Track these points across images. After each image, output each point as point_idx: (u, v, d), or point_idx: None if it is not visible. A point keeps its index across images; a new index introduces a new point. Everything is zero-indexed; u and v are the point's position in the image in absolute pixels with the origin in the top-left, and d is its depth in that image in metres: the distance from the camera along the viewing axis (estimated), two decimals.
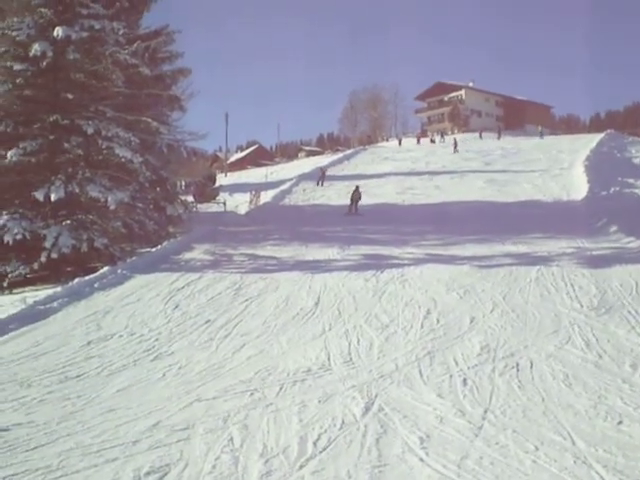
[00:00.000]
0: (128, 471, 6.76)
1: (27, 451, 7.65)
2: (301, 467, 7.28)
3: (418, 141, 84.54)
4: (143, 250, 26.46)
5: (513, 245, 24.19)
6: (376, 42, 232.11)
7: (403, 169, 52.28)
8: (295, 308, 17.09)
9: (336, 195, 41.88)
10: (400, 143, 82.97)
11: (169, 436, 8.15)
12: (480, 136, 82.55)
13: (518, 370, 11.33)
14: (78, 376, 12.08)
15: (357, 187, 36.57)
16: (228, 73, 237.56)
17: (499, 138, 78.36)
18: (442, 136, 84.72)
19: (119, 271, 21.97)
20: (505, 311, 15.64)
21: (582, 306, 15.79)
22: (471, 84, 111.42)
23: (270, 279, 20.56)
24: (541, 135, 68.10)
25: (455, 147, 60.67)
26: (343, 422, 8.84)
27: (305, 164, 67.60)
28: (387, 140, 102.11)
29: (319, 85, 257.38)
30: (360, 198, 35.74)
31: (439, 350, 12.75)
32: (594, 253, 22.15)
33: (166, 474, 6.69)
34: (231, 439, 8.07)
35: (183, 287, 19.72)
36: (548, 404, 9.56)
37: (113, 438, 8.12)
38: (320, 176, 47.50)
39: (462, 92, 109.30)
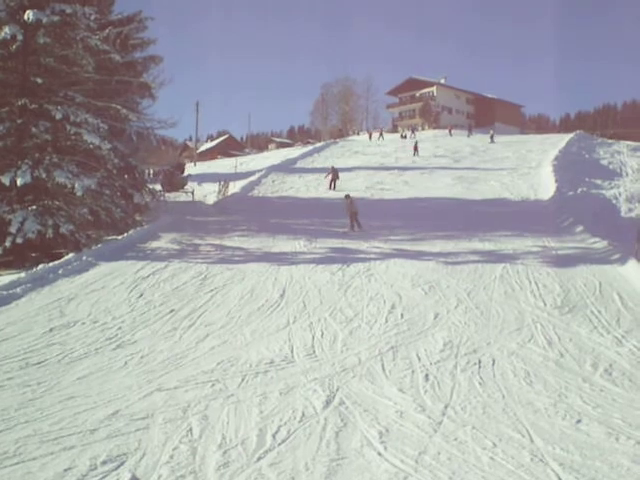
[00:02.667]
0: (85, 459, 6.72)
1: None
2: (259, 459, 7.28)
3: (370, 137, 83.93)
4: (109, 238, 26.30)
5: (480, 242, 24.30)
6: (349, 36, 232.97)
7: (373, 163, 52.32)
8: (260, 300, 17.08)
9: (304, 187, 41.84)
10: (370, 137, 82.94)
11: (128, 425, 8.11)
12: (450, 133, 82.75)
13: (480, 367, 11.42)
14: (39, 363, 11.99)
15: (347, 196, 29.09)
16: (200, 62, 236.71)
17: (469, 136, 78.60)
18: (413, 132, 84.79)
19: (84, 258, 21.81)
20: (469, 308, 15.74)
21: (546, 304, 15.94)
22: (443, 81, 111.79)
23: (236, 270, 20.52)
24: (491, 139, 66.99)
25: (415, 150, 58.21)
26: (303, 415, 8.85)
27: (275, 156, 67.51)
28: (358, 134, 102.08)
29: (291, 77, 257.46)
30: (356, 212, 28.26)
31: (402, 345, 12.81)
32: (559, 252, 22.32)
33: (123, 463, 6.67)
34: (190, 429, 8.06)
35: (148, 276, 19.63)
36: (508, 401, 9.64)
37: (71, 426, 8.07)
38: (331, 174, 41.13)
39: (434, 88, 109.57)
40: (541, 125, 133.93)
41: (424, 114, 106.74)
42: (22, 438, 7.55)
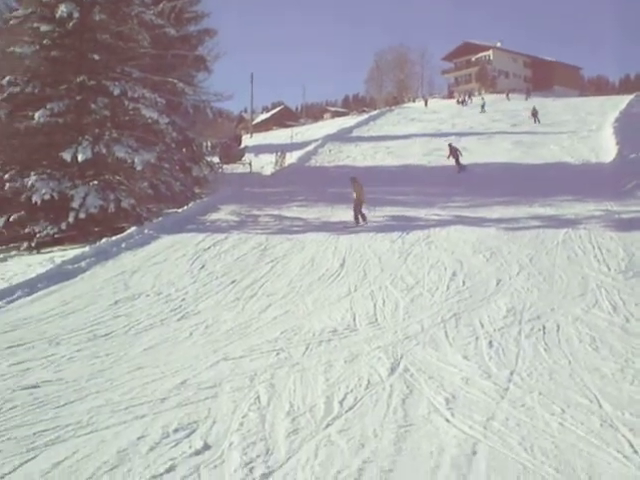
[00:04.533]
0: (157, 428, 6.85)
1: (57, 408, 7.75)
2: (328, 426, 7.33)
3: (426, 104, 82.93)
4: (169, 211, 26.59)
5: (540, 207, 24.01)
6: (403, 1, 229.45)
7: (429, 130, 51.85)
8: (321, 269, 17.13)
9: (361, 156, 41.69)
10: (426, 104, 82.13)
11: (196, 394, 8.23)
12: (507, 97, 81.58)
13: (544, 333, 11.29)
14: (106, 335, 12.20)
15: (354, 179, 24.62)
16: (254, 34, 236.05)
17: (527, 99, 77.36)
18: (469, 97, 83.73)
19: (146, 231, 22.10)
20: (532, 274, 15.58)
21: (610, 269, 15.69)
22: (499, 44, 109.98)
23: (296, 240, 20.60)
24: (482, 108, 63.79)
25: (535, 116, 53.94)
26: (369, 382, 8.87)
27: (330, 125, 67.19)
28: (414, 101, 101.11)
29: (345, 45, 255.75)
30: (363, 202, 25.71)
31: (465, 312, 12.74)
32: (622, 216, 21.93)
33: (194, 431, 6.77)
34: (258, 397, 8.14)
35: (209, 247, 19.81)
36: (575, 367, 9.53)
37: (141, 395, 8.21)
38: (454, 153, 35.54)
39: (489, 52, 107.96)
40: (600, 87, 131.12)
41: (480, 79, 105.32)
42: (94, 408, 7.70)
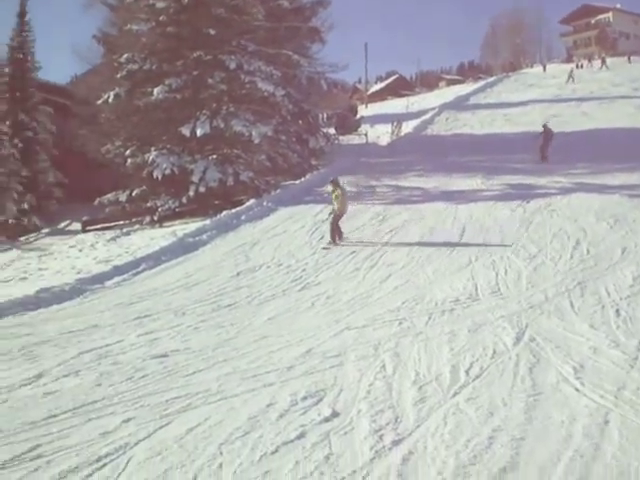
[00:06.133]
0: (285, 395, 6.93)
1: (186, 376, 7.95)
2: (455, 394, 7.28)
3: (544, 69, 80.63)
4: (287, 183, 26.80)
5: None
6: None
7: (548, 96, 50.55)
8: (440, 238, 17.00)
9: (479, 124, 41.05)
10: (545, 69, 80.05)
11: (322, 362, 8.29)
12: (629, 60, 78.74)
13: None
14: (229, 305, 12.42)
15: (334, 182, 18.91)
16: (366, 3, 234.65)
17: None
18: (589, 61, 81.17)
19: (264, 204, 22.38)
20: None
21: None
22: (618, 6, 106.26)
23: (414, 210, 20.50)
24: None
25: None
26: (494, 351, 8.75)
27: (446, 93, 66.30)
28: (531, 66, 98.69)
29: (459, 11, 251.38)
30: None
31: (590, 280, 12.43)
32: None
33: (322, 399, 6.83)
34: (383, 366, 8.14)
35: (327, 219, 19.88)
36: None
37: (268, 364, 8.33)
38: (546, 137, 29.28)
39: (609, 14, 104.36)
40: None
41: (600, 41, 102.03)
42: (222, 376, 7.85)
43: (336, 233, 17.61)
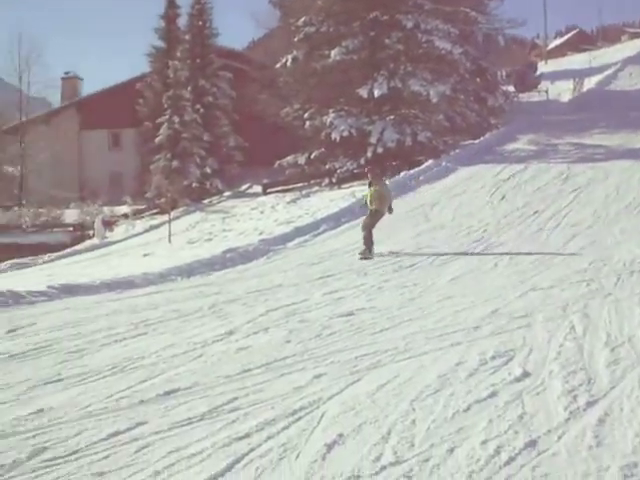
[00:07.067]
0: (473, 354, 6.83)
1: (373, 334, 7.97)
2: None
3: None
4: (465, 142, 26.47)
5: None
6: None
7: None
8: (627, 197, 16.42)
9: None
10: None
11: (509, 323, 8.13)
12: None
13: None
14: (411, 265, 12.42)
15: (371, 170, 16.17)
16: None
17: None
18: None
19: (443, 164, 22.21)
20: None
21: None
22: None
23: (598, 168, 19.81)
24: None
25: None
26: None
27: (629, 47, 63.41)
28: None
29: None
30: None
31: None
32: None
33: (511, 359, 6.68)
34: (572, 327, 7.90)
35: (508, 178, 19.54)
36: None
37: (454, 323, 8.24)
38: None
39: None
40: None
41: None
42: (409, 335, 7.83)
43: (370, 240, 13.85)
